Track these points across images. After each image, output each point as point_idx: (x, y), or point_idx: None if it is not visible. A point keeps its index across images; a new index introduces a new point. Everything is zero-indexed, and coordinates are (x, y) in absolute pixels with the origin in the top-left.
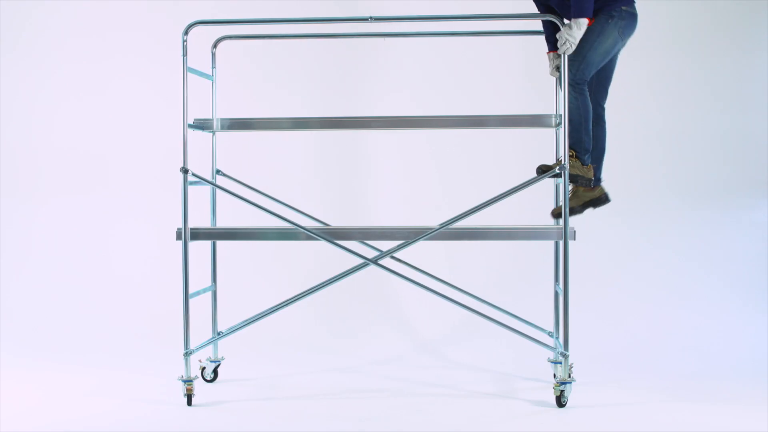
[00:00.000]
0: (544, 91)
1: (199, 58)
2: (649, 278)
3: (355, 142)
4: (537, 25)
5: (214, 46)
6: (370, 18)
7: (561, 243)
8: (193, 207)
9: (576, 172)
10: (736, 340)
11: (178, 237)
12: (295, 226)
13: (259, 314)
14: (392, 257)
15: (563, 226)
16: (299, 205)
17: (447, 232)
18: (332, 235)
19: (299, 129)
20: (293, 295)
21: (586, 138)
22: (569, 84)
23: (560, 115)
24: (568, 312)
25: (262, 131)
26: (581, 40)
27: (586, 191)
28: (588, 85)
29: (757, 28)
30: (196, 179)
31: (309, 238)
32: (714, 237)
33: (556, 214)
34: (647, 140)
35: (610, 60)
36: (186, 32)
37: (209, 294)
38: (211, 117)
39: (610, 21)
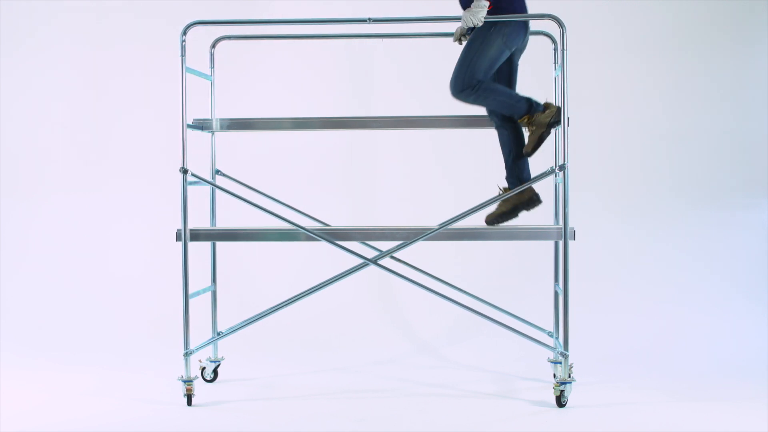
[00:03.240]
0: (544, 90)
1: (198, 58)
2: (650, 278)
3: (355, 142)
4: (537, 25)
5: (213, 46)
6: (369, 19)
7: (561, 243)
8: (192, 207)
9: (544, 125)
10: (737, 340)
11: (178, 238)
12: (295, 227)
13: (259, 314)
14: (392, 257)
15: (563, 226)
16: (299, 206)
17: (447, 232)
18: (332, 235)
19: (299, 129)
20: (293, 295)
21: (520, 102)
22: (461, 91)
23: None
24: (567, 312)
25: (262, 131)
26: (466, 47)
27: (541, 114)
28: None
29: (757, 28)
30: (196, 179)
31: (309, 238)
32: (715, 236)
33: (490, 220)
34: (648, 140)
35: (509, 71)
36: (184, 32)
37: (209, 294)
38: (210, 117)
39: (493, 28)
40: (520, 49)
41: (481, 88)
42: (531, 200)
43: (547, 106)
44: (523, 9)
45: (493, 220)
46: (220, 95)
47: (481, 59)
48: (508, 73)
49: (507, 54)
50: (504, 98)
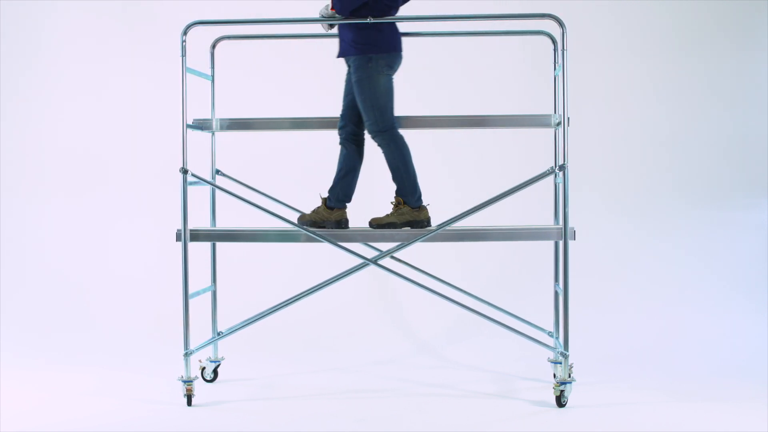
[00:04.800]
0: (544, 90)
1: (198, 58)
2: (650, 278)
3: None
4: (537, 25)
5: (213, 46)
6: (369, 18)
7: (561, 243)
8: (192, 207)
9: (407, 218)
10: (737, 340)
11: (178, 238)
12: (295, 227)
13: (259, 314)
14: (392, 257)
15: (563, 226)
16: (299, 206)
17: (446, 233)
18: (333, 236)
19: (299, 129)
20: (293, 295)
21: (409, 181)
22: (373, 136)
23: (560, 115)
24: (568, 312)
25: (262, 131)
26: (362, 95)
27: (411, 211)
28: (349, 119)
29: (757, 28)
30: (196, 179)
31: (310, 239)
32: (715, 236)
33: (375, 224)
34: (648, 140)
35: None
36: (185, 32)
37: (209, 294)
38: (210, 117)
39: (370, 64)
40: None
41: (396, 134)
42: (422, 222)
43: (421, 208)
44: (391, 34)
45: (376, 225)
46: (220, 95)
47: (381, 97)
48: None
49: (392, 78)
50: (405, 167)
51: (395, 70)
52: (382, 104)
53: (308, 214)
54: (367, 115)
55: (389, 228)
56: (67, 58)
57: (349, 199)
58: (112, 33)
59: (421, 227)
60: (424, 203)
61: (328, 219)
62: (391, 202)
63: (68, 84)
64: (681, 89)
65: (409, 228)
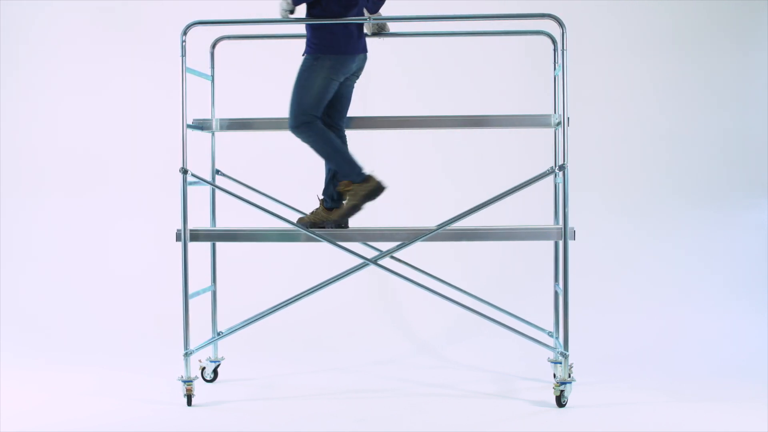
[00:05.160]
0: (544, 90)
1: (198, 57)
2: (650, 278)
3: (356, 141)
4: (537, 24)
5: (213, 46)
6: (369, 18)
7: (561, 243)
8: (192, 206)
9: (361, 194)
10: (737, 340)
11: (178, 238)
12: (295, 227)
13: (259, 314)
14: (392, 257)
15: (563, 226)
16: (299, 206)
17: (446, 232)
18: (333, 236)
19: None
20: (293, 295)
21: (348, 163)
22: (296, 127)
23: (560, 115)
24: (567, 312)
25: (262, 131)
26: (293, 88)
27: (360, 185)
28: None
29: (757, 28)
30: (196, 179)
31: (310, 239)
32: (715, 237)
33: (340, 217)
34: (648, 140)
35: (340, 99)
36: (185, 32)
37: (209, 294)
38: (210, 117)
39: (315, 62)
40: (356, 75)
41: (314, 127)
42: (376, 190)
43: (367, 179)
44: (345, 37)
45: (344, 215)
46: (220, 95)
47: (307, 94)
48: (339, 100)
49: (336, 85)
50: (334, 152)
51: (343, 74)
52: (305, 102)
53: (307, 216)
54: (289, 108)
55: (354, 211)
56: (67, 58)
57: (342, 197)
58: (112, 33)
59: (379, 193)
60: (367, 172)
61: (327, 219)
62: (339, 190)
63: (68, 84)
64: (681, 89)
65: (368, 202)
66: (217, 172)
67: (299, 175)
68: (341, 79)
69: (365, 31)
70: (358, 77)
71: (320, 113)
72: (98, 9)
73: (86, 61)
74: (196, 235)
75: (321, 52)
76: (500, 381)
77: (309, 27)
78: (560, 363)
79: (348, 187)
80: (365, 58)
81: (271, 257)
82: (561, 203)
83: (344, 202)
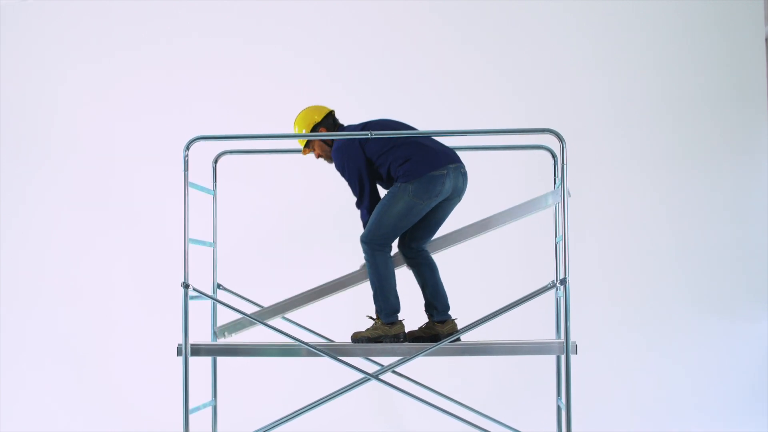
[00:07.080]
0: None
1: (200, 171)
2: (653, 391)
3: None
4: (537, 139)
5: (215, 161)
6: (370, 134)
7: (563, 357)
8: (194, 316)
9: (379, 333)
10: None
11: (179, 353)
12: (296, 342)
13: (260, 429)
14: (393, 372)
15: (565, 341)
16: (302, 321)
17: (449, 347)
18: (334, 350)
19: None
20: (295, 409)
21: (384, 300)
22: (366, 243)
23: (561, 235)
24: (570, 427)
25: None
26: (379, 204)
27: (384, 326)
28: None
29: (756, 138)
30: (197, 294)
31: (311, 354)
32: (718, 348)
33: (353, 339)
34: (652, 253)
35: (434, 221)
36: (187, 147)
37: (209, 409)
38: (212, 231)
39: (400, 186)
40: (458, 196)
41: (380, 256)
42: (395, 337)
43: (392, 324)
44: (431, 163)
45: (353, 340)
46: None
47: (386, 216)
48: (432, 223)
49: (421, 207)
50: (380, 286)
51: (434, 196)
52: (383, 225)
53: (364, 332)
54: (369, 223)
55: (365, 342)
56: (70, 170)
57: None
58: (116, 144)
59: (396, 341)
60: (397, 318)
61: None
62: (369, 316)
63: (70, 198)
64: (682, 200)
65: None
66: (219, 286)
67: (300, 286)
68: (432, 202)
69: None
70: (460, 198)
71: (394, 239)
72: (103, 120)
73: (91, 171)
74: (198, 350)
75: (403, 180)
76: None
77: (387, 173)
78: None
79: (376, 319)
80: (461, 175)
81: (273, 370)
82: (563, 317)
83: (368, 328)
